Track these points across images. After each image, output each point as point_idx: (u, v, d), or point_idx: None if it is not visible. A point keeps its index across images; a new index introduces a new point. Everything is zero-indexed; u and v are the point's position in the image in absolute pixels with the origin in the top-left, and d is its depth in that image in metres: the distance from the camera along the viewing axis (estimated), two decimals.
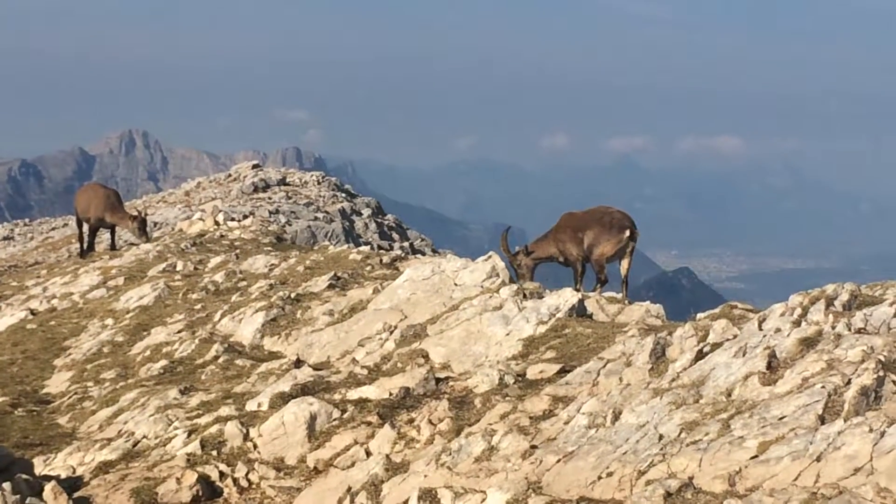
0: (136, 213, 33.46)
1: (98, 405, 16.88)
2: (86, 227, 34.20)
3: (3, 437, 15.35)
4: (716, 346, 11.07)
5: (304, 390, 14.00)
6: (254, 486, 12.11)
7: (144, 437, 14.15)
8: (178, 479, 12.04)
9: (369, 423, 12.60)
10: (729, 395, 9.63)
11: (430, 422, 12.15)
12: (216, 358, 17.94)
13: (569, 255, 21.99)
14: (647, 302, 17.02)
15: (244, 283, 23.93)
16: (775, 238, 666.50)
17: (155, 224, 40.02)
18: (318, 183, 51.38)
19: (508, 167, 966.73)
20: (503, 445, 10.48)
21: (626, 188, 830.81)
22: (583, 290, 20.38)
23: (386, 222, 50.45)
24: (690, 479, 8.38)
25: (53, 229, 53.82)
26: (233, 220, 37.04)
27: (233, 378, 16.64)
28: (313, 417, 12.89)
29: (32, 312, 25.26)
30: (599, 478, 9.05)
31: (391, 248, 41.51)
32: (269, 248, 30.38)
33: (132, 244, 34.49)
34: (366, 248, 28.20)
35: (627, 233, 21.41)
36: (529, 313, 15.61)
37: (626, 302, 18.03)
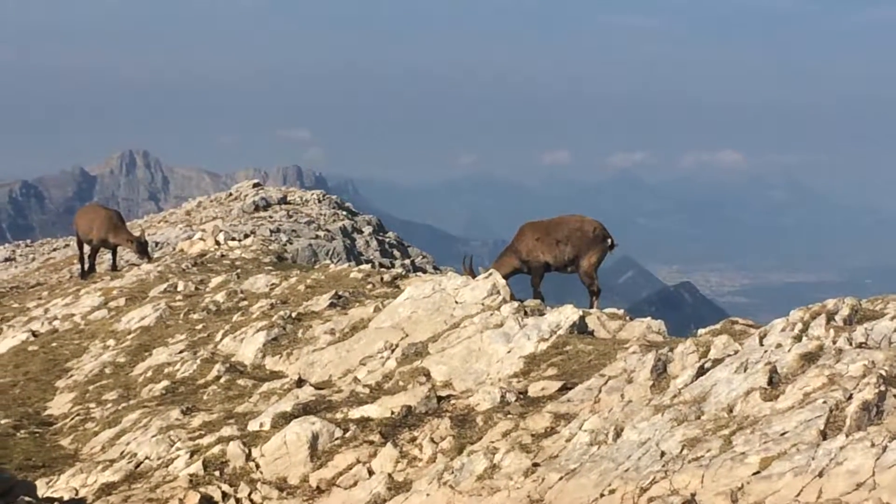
0: (136, 234, 33.58)
1: (100, 426, 16.87)
2: (87, 248, 34.27)
3: (6, 459, 15.33)
4: (717, 361, 11.07)
5: (305, 410, 14.00)
6: None
7: (147, 458, 14.14)
8: (180, 500, 12.04)
9: (371, 442, 12.60)
10: (730, 410, 9.63)
11: (432, 440, 12.16)
12: (218, 378, 17.93)
13: (535, 261, 22.09)
14: (649, 318, 17.03)
15: (245, 302, 23.92)
16: (777, 252, 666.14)
17: (156, 244, 39.99)
18: (319, 201, 51.32)
19: (510, 183, 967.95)
20: (505, 463, 10.48)
21: (628, 203, 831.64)
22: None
23: (387, 240, 50.34)
24: (693, 495, 8.38)
25: (55, 250, 53.78)
26: (234, 239, 37.05)
27: (235, 398, 16.63)
28: (315, 437, 12.88)
29: (34, 334, 25.25)
30: (602, 495, 9.05)
31: (392, 266, 41.46)
32: (270, 268, 30.36)
33: (133, 264, 34.51)
34: (367, 267, 28.21)
35: (609, 241, 21.67)
36: (530, 330, 15.61)
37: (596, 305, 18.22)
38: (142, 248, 33.17)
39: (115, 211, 35.28)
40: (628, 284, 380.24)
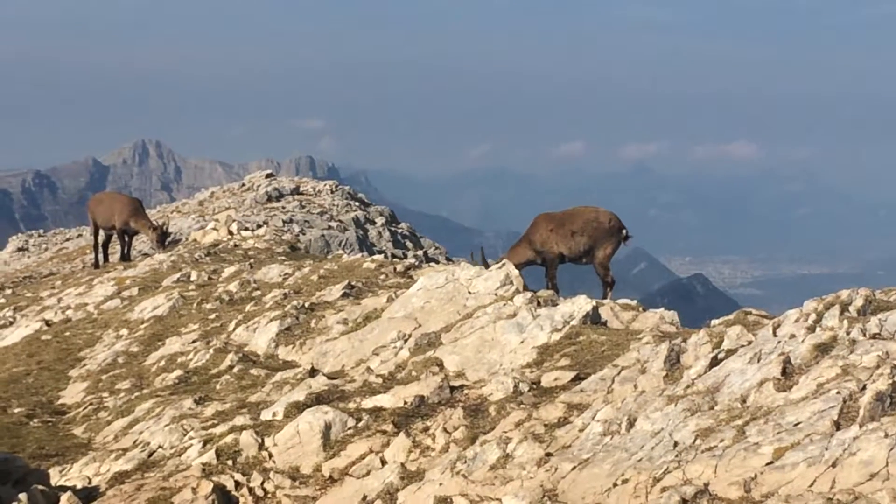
0: (157, 224, 33.79)
1: (113, 416, 16.91)
2: (101, 237, 34.43)
3: (19, 448, 15.37)
4: (730, 352, 11.05)
5: (318, 399, 14.00)
6: (269, 496, 12.10)
7: (160, 447, 14.16)
8: (193, 488, 12.04)
9: (384, 432, 12.59)
10: (744, 401, 9.61)
11: (444, 430, 12.15)
12: (231, 367, 17.96)
13: (550, 252, 22.12)
14: (662, 308, 17.00)
15: (258, 292, 23.94)
16: (790, 244, 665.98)
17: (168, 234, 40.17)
18: (332, 192, 51.29)
19: (523, 175, 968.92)
20: (518, 453, 10.47)
21: (641, 195, 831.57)
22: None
23: (400, 231, 50.31)
24: (706, 485, 8.37)
25: (68, 240, 53.95)
26: (246, 229, 37.08)
27: (247, 387, 16.65)
28: (328, 426, 12.88)
29: (47, 323, 25.32)
30: (615, 485, 9.04)
31: (405, 257, 41.47)
32: (283, 258, 30.40)
33: (146, 255, 34.61)
34: (379, 257, 28.21)
35: (624, 232, 21.74)
36: (543, 321, 15.60)
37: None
38: (162, 238, 33.34)
39: (135, 197, 35.60)
40: (641, 276, 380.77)
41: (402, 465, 11.55)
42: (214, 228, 36.88)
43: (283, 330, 19.39)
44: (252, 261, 29.64)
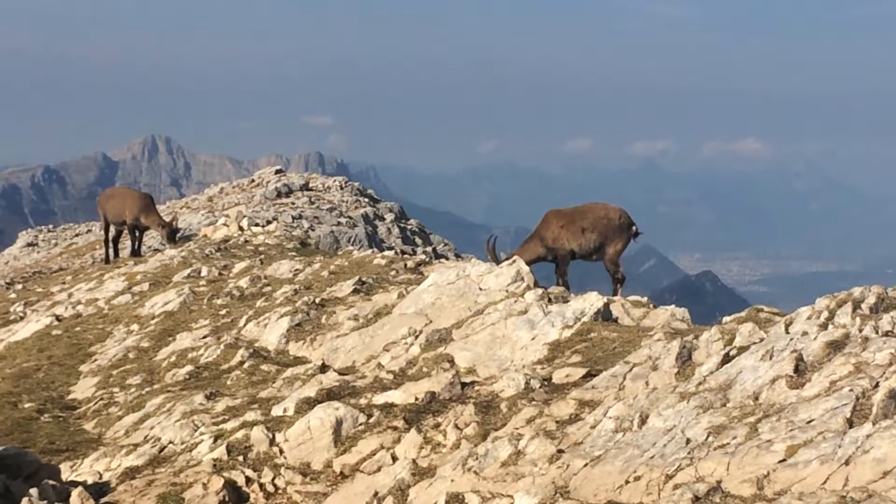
0: (167, 221, 33.88)
1: (124, 411, 16.92)
2: (112, 232, 34.53)
3: (30, 442, 15.40)
4: (742, 349, 11.03)
5: (329, 395, 13.99)
6: (280, 492, 12.10)
7: (170, 442, 14.17)
8: (204, 484, 12.04)
9: (395, 428, 12.59)
10: (756, 398, 9.59)
11: (456, 426, 12.15)
12: (242, 363, 17.95)
13: (561, 248, 22.11)
14: (673, 306, 16.98)
15: (269, 288, 23.96)
16: (799, 241, 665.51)
17: (178, 230, 40.26)
18: (341, 188, 51.30)
19: (531, 171, 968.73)
20: (530, 450, 10.46)
21: (650, 192, 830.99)
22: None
23: (409, 227, 50.25)
24: (718, 482, 8.35)
25: (77, 235, 53.96)
26: (257, 225, 37.13)
27: (258, 383, 16.65)
28: (339, 422, 12.88)
29: (58, 318, 25.35)
30: (627, 482, 9.03)
31: (414, 253, 41.45)
32: (294, 254, 30.43)
33: (156, 250, 34.67)
34: (390, 253, 28.23)
35: (634, 228, 21.72)
36: (555, 317, 15.59)
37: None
38: (171, 235, 33.43)
39: (147, 193, 35.69)
40: (649, 273, 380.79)
41: (414, 461, 11.54)
42: (225, 224, 36.96)
43: (293, 326, 19.38)
44: (262, 256, 29.67)
